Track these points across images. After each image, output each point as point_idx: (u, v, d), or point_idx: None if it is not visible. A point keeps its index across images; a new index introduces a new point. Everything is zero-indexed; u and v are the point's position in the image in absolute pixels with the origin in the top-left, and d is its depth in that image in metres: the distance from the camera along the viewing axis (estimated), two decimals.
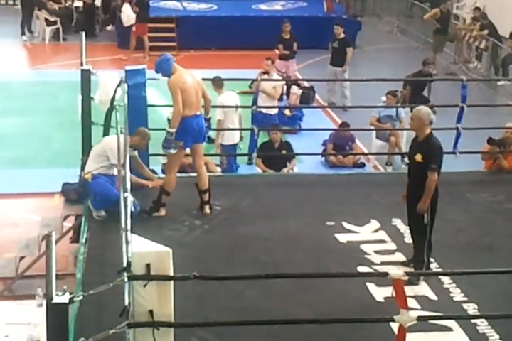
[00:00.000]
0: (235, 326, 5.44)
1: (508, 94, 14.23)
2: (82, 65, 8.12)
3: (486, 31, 16.19)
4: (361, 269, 6.59)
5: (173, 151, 7.27)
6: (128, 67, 7.97)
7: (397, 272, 5.08)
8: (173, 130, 7.16)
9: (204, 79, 8.01)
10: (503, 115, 11.88)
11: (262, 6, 18.88)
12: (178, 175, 7.67)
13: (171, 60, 7.30)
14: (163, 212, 7.50)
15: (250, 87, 13.30)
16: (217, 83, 10.12)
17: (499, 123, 9.88)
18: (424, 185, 6.40)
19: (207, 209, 7.60)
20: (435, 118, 6.74)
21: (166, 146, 7.24)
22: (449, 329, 5.78)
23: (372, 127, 11.13)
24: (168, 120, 8.26)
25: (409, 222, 6.80)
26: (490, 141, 9.25)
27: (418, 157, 6.51)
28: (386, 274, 5.08)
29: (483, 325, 5.84)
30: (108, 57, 16.35)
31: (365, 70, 14.88)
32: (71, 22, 18.49)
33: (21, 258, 7.70)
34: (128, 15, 16.84)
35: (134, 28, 16.33)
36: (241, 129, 10.22)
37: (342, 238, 7.22)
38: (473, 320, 5.91)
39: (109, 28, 17.60)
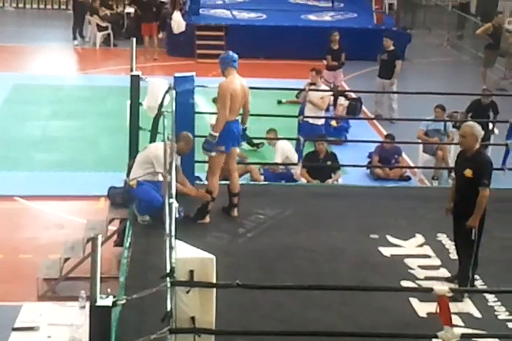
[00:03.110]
0: (276, 336, 5.40)
1: None
2: (131, 70, 8.20)
3: None
4: (405, 284, 6.51)
5: (213, 154, 7.34)
6: (177, 74, 8.03)
7: (442, 288, 5.01)
8: (217, 134, 7.23)
9: (250, 88, 8.05)
10: None
11: (312, 17, 18.91)
12: (222, 182, 7.70)
13: (231, 59, 7.32)
14: (207, 219, 7.52)
15: (297, 96, 13.31)
16: (273, 133, 10.61)
17: None
18: (474, 201, 6.31)
19: (235, 212, 7.67)
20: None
21: (208, 148, 7.32)
22: None
23: (420, 140, 11.04)
24: (211, 125, 8.33)
25: (456, 238, 6.71)
26: None
27: (468, 172, 6.42)
28: (431, 290, 5.01)
29: None
30: (158, 63, 16.51)
31: (413, 83, 14.78)
32: (122, 28, 18.74)
33: (66, 259, 7.79)
34: (178, 22, 17.02)
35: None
36: (289, 139, 10.17)
37: (386, 251, 7.15)
38: None
39: (160, 35, 17.78)
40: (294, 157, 9.52)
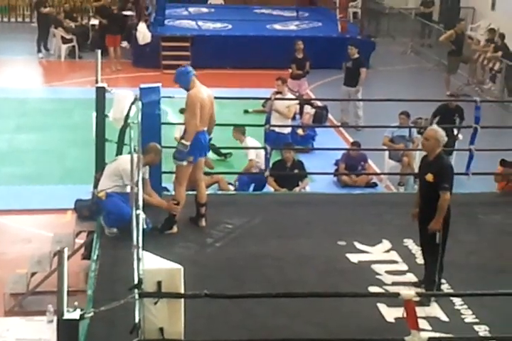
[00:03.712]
0: None
1: None
2: (97, 82, 8.19)
3: (499, 53, 16.22)
4: (372, 289, 6.56)
5: (185, 163, 7.37)
6: (143, 85, 8.04)
7: (409, 293, 5.06)
8: (189, 143, 7.26)
9: (215, 98, 8.10)
10: None
11: (277, 26, 19.01)
12: (190, 193, 7.72)
13: (191, 72, 7.39)
14: (175, 229, 7.53)
15: (264, 106, 13.36)
16: (241, 130, 10.43)
17: None
18: (436, 205, 6.39)
19: (203, 222, 7.69)
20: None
21: (179, 158, 7.34)
22: None
23: (385, 147, 11.15)
24: (176, 138, 8.36)
25: (421, 242, 6.78)
26: (503, 162, 9.25)
27: (429, 177, 6.51)
28: (397, 295, 5.06)
29: None
30: (123, 74, 16.48)
31: (378, 90, 14.92)
32: (87, 40, 18.69)
33: (33, 274, 7.73)
34: (143, 33, 17.02)
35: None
36: (256, 148, 10.24)
37: (353, 258, 7.20)
38: None
39: (124, 44, 17.77)
40: (263, 153, 9.57)
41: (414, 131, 11.24)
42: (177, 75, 7.42)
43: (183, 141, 7.31)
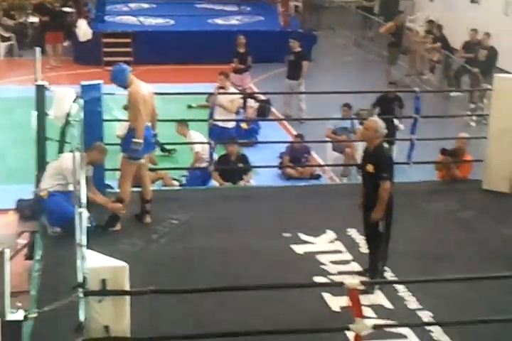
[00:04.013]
0: (192, 339, 5.43)
1: (460, 105, 14.49)
2: (36, 80, 8.09)
3: (438, 44, 16.48)
4: (317, 280, 6.63)
5: (142, 161, 7.40)
6: (84, 82, 7.97)
7: (352, 281, 5.13)
8: (142, 140, 7.24)
9: (158, 94, 8.09)
10: (456, 125, 12.11)
11: (219, 21, 18.99)
12: (135, 189, 7.69)
13: (126, 70, 7.38)
14: (118, 226, 7.49)
15: (207, 100, 13.35)
16: (185, 125, 10.50)
17: (452, 133, 10.05)
18: (378, 195, 6.49)
19: (148, 219, 7.68)
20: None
21: (136, 157, 7.36)
22: (404, 336, 5.85)
23: (328, 139, 11.24)
24: (118, 136, 8.33)
25: (365, 232, 6.87)
26: (443, 151, 9.41)
27: (369, 167, 6.61)
28: (341, 284, 5.13)
29: (437, 332, 5.92)
30: (64, 72, 16.28)
31: (320, 83, 15.03)
32: (26, 38, 18.40)
33: None
34: (84, 30, 16.82)
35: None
36: (200, 143, 10.24)
37: (298, 249, 7.27)
38: (427, 327, 5.98)
39: (65, 44, 17.56)
40: (207, 146, 9.58)
41: (357, 122, 11.36)
42: (113, 74, 7.39)
43: (135, 140, 7.28)
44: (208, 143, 9.34)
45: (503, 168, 8.67)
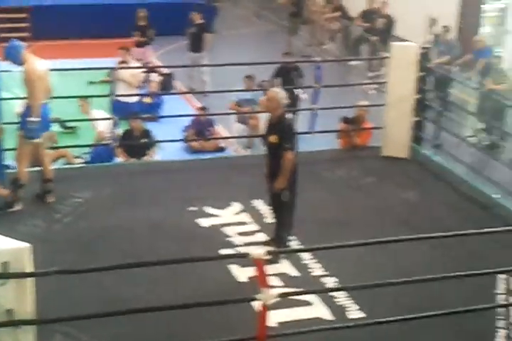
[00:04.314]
0: (100, 318, 5.39)
1: (360, 74, 14.74)
2: None
3: (338, 13, 16.66)
4: (224, 252, 6.67)
5: (41, 140, 7.22)
6: None
7: (257, 252, 5.17)
8: (39, 119, 7.07)
9: (58, 70, 7.91)
10: (356, 94, 12.32)
11: None
12: (35, 169, 7.54)
13: (19, 46, 7.17)
14: (19, 206, 7.33)
15: (109, 76, 13.11)
16: (86, 101, 10.43)
17: (353, 102, 10.20)
18: (282, 165, 6.55)
19: (50, 198, 7.54)
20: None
21: (34, 136, 7.18)
22: (310, 303, 5.97)
23: (232, 111, 11.26)
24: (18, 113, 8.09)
25: (270, 202, 6.93)
26: (344, 119, 9.57)
27: (273, 138, 6.66)
28: (247, 255, 5.17)
29: (342, 297, 6.07)
30: None
31: (223, 55, 14.99)
32: None
33: None
34: None
35: None
36: (102, 119, 10.07)
37: (204, 222, 7.29)
38: (333, 293, 6.12)
39: None
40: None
41: (260, 93, 11.40)
42: (6, 51, 7.18)
43: (31, 119, 7.10)
44: (111, 119, 9.19)
45: (401, 135, 8.90)
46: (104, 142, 10.05)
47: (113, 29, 16.23)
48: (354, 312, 5.92)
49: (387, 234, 6.66)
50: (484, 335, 5.74)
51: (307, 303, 5.96)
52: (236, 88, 11.23)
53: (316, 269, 6.54)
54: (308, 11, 17.52)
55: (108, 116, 9.42)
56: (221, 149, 11.09)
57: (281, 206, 6.72)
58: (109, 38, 16.04)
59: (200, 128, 11.13)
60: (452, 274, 5.44)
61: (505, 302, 6.15)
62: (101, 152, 9.99)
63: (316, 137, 9.47)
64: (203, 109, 11.28)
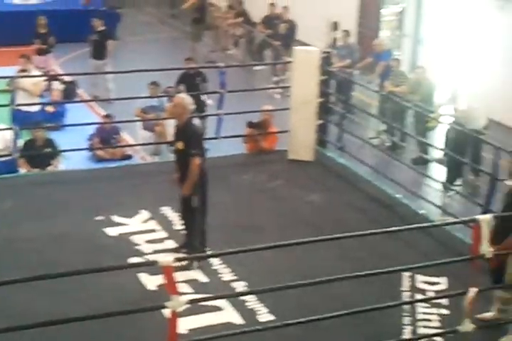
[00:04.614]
0: (5, 333, 5.25)
1: (264, 78, 14.89)
2: None
3: (240, 19, 16.78)
4: (133, 260, 6.62)
5: None
6: None
7: (166, 259, 5.15)
8: None
9: None
10: (261, 98, 12.43)
11: (16, 1, 18.22)
12: None
13: None
14: None
15: (8, 85, 12.81)
16: None
17: (258, 106, 10.27)
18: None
19: None
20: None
21: None
22: (221, 309, 5.99)
23: (138, 118, 11.18)
24: None
25: (180, 208, 6.90)
26: (249, 124, 9.64)
27: (179, 144, 6.66)
28: (155, 262, 5.13)
29: (252, 301, 6.11)
30: None
31: (128, 62, 14.88)
32: None
33: None
34: None
35: None
36: (5, 129, 9.81)
37: (112, 232, 7.21)
38: (243, 298, 6.15)
39: None
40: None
41: (165, 99, 11.36)
42: None
43: None
44: (11, 129, 8.97)
45: (305, 138, 9.04)
46: (3, 153, 9.79)
47: (13, 37, 15.85)
48: (264, 316, 5.97)
49: (293, 236, 6.75)
50: (391, 333, 5.87)
51: (218, 309, 5.98)
52: (141, 95, 11.16)
53: (226, 274, 6.57)
54: (211, 16, 17.57)
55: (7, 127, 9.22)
56: (128, 157, 10.99)
57: (191, 212, 6.71)
58: (8, 46, 15.67)
59: (106, 137, 11.00)
60: (355, 274, 5.52)
61: (410, 300, 6.32)
62: (2, 164, 9.73)
63: (223, 142, 9.50)
64: (107, 116, 11.16)
